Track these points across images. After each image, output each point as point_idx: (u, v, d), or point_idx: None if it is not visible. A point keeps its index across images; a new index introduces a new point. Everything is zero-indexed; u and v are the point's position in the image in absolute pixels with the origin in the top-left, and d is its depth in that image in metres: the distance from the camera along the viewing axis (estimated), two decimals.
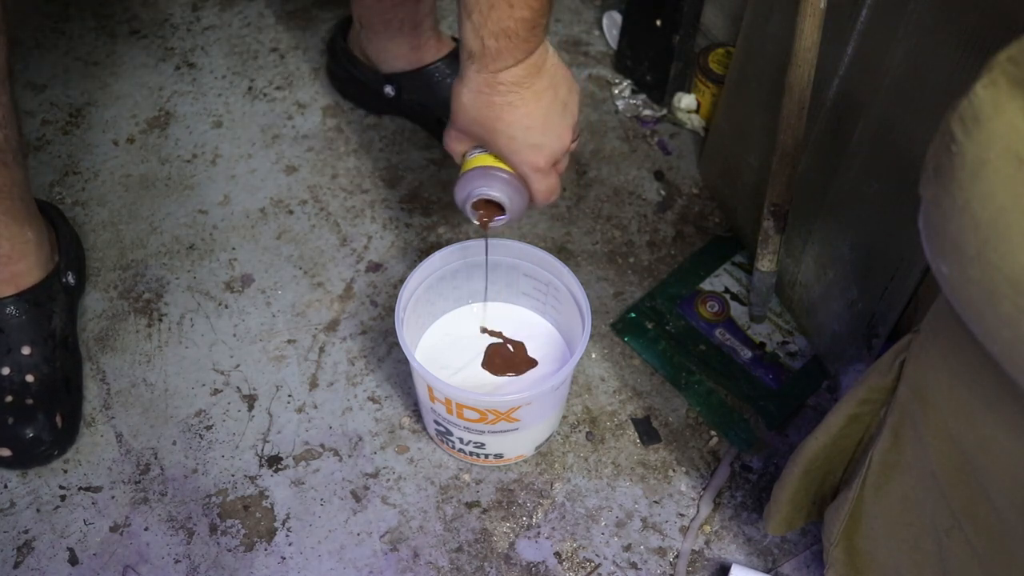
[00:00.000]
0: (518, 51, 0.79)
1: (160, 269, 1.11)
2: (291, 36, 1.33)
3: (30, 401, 0.95)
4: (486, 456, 0.96)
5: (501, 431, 0.92)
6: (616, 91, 1.28)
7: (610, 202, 1.18)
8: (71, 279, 1.03)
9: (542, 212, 1.17)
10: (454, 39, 1.20)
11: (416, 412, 1.02)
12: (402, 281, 1.11)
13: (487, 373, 0.98)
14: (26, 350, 0.96)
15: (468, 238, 1.14)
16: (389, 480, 0.98)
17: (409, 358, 0.87)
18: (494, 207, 0.88)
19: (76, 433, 0.99)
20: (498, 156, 0.86)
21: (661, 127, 1.26)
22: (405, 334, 0.89)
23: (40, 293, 0.98)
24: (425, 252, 1.13)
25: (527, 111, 0.83)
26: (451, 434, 0.94)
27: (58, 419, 0.96)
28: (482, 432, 0.92)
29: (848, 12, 0.88)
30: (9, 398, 0.95)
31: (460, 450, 0.96)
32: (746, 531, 0.96)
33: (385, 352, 1.06)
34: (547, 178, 0.86)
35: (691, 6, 1.17)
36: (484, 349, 1.00)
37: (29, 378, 0.96)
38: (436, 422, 0.94)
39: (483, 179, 0.86)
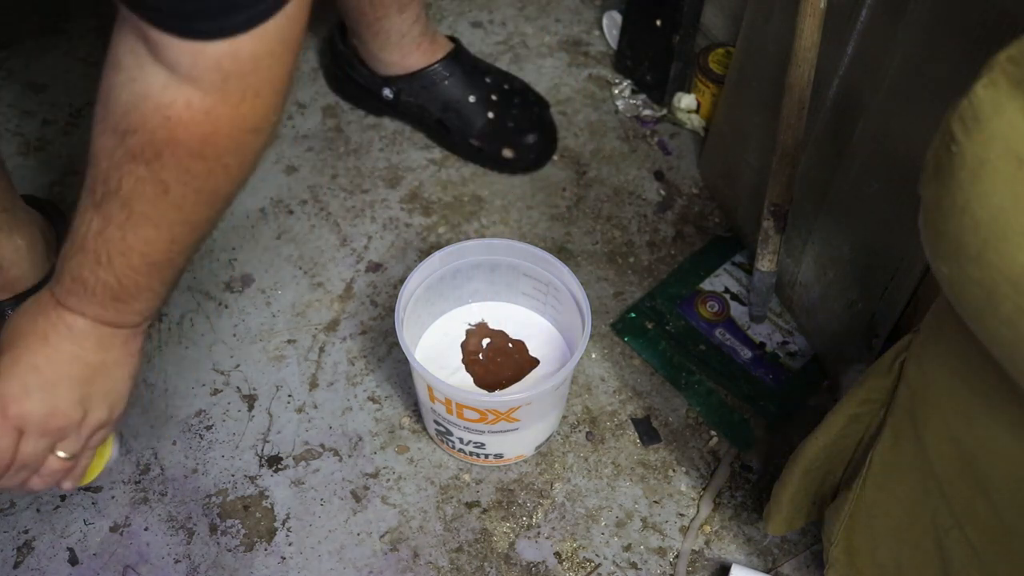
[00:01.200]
0: (91, 309, 0.68)
1: None
2: None
3: None
4: (486, 456, 0.96)
5: (501, 431, 0.92)
6: (616, 91, 1.28)
7: (610, 202, 1.18)
8: None
9: (542, 212, 1.17)
10: (451, 39, 1.20)
11: (416, 412, 1.02)
12: (402, 281, 1.11)
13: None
14: None
15: (468, 238, 1.14)
16: (389, 480, 0.98)
17: (409, 358, 0.87)
18: None
19: None
20: None
21: (661, 127, 1.26)
22: (405, 334, 0.89)
23: None
24: (425, 252, 1.13)
25: (48, 371, 0.70)
26: (451, 434, 0.94)
27: None
28: (482, 432, 0.92)
29: (848, 12, 0.88)
30: None
31: (460, 450, 0.96)
32: (746, 531, 0.96)
33: (385, 352, 1.06)
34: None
35: (691, 6, 1.17)
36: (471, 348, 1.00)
37: None
38: (436, 422, 0.94)
39: None
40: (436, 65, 1.17)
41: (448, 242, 1.14)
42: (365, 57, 1.19)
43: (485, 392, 0.97)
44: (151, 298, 0.70)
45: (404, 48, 1.16)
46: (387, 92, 1.20)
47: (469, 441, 0.94)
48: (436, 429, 0.96)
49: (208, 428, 1.01)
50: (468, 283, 1.00)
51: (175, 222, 0.65)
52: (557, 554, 0.94)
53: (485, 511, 0.96)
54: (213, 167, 0.62)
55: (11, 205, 0.97)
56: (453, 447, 0.96)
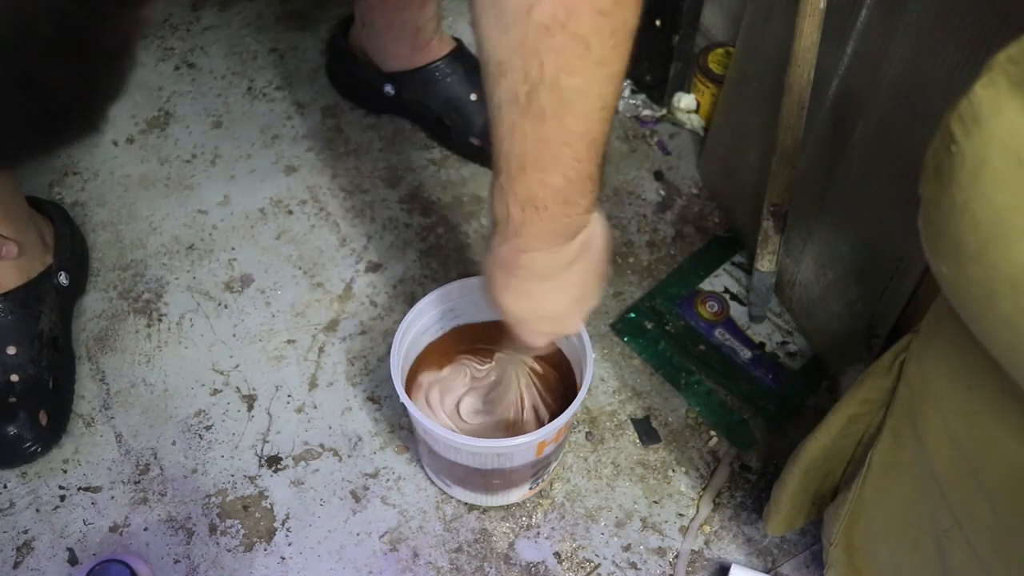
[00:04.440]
0: (545, 228, 0.68)
1: (160, 269, 1.11)
2: (290, 36, 1.32)
3: (13, 400, 0.95)
4: None
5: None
6: None
7: (610, 202, 1.18)
8: (63, 280, 1.03)
9: None
10: (455, 39, 1.20)
11: None
12: (402, 281, 1.11)
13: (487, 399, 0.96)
14: (11, 350, 0.96)
15: (468, 238, 1.15)
16: (389, 480, 0.98)
17: (409, 407, 0.84)
18: None
19: (62, 432, 0.99)
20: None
21: (661, 127, 1.26)
22: (404, 389, 0.86)
23: (27, 295, 0.98)
24: (425, 252, 1.13)
25: (543, 303, 0.74)
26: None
27: (42, 417, 0.96)
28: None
29: (848, 12, 0.88)
30: None
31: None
32: (746, 531, 0.96)
33: (384, 352, 1.06)
34: (541, 341, 0.79)
35: (691, 6, 1.17)
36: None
37: (13, 377, 0.96)
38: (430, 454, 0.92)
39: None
40: (439, 62, 1.17)
41: (448, 242, 1.14)
42: (371, 51, 1.19)
43: (489, 441, 0.89)
44: (593, 190, 0.68)
45: (416, 43, 1.16)
46: (388, 88, 1.20)
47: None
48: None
49: (208, 428, 1.01)
50: (466, 307, 0.97)
51: (602, 80, 0.62)
52: (557, 554, 0.94)
53: (484, 511, 0.96)
54: None
55: (4, 200, 0.97)
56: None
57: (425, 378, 0.96)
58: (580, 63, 0.61)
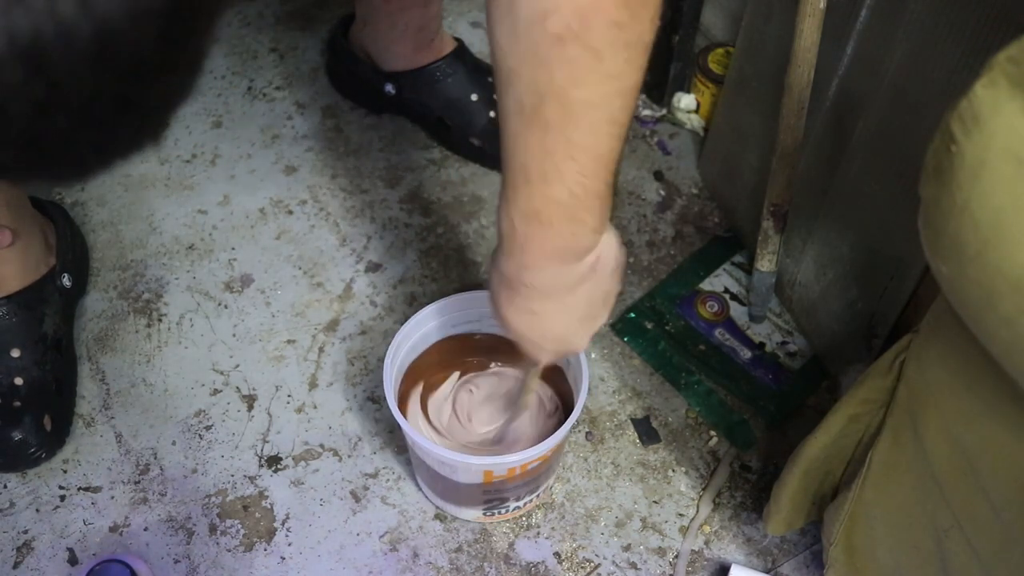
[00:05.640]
0: (550, 245, 0.66)
1: (160, 269, 1.11)
2: (290, 36, 1.32)
3: (18, 404, 0.95)
4: None
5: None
6: None
7: None
8: (66, 282, 1.03)
9: None
10: (456, 39, 1.20)
11: None
12: (402, 281, 1.11)
13: (490, 409, 0.95)
14: (15, 353, 0.96)
15: (468, 238, 1.14)
16: (389, 480, 0.98)
17: (408, 432, 0.84)
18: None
19: (66, 436, 0.99)
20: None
21: (661, 127, 1.26)
22: (400, 412, 0.85)
23: (30, 297, 0.98)
24: (425, 252, 1.13)
25: (547, 322, 0.72)
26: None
27: (46, 422, 0.95)
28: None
29: (848, 12, 0.88)
30: None
31: None
32: (746, 531, 0.96)
33: (384, 352, 1.06)
34: (546, 359, 0.79)
35: (691, 6, 1.17)
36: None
37: (18, 381, 0.96)
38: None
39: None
40: (440, 62, 1.17)
41: (448, 242, 1.14)
42: (372, 50, 1.19)
43: (487, 456, 0.89)
44: (602, 209, 0.66)
45: (418, 42, 1.16)
46: (389, 88, 1.20)
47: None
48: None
49: (208, 428, 1.01)
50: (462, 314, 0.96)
51: (611, 94, 0.61)
52: (557, 554, 0.94)
53: None
54: (637, 11, 0.59)
55: (12, 203, 0.97)
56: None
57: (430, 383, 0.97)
58: (590, 75, 0.60)
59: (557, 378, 0.94)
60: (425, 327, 0.92)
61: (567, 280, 0.69)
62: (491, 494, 0.89)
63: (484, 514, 0.93)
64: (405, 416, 0.90)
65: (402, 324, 0.91)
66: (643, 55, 0.62)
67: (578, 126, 0.61)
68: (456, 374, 0.97)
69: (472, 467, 0.83)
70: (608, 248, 0.70)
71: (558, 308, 0.71)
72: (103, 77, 0.36)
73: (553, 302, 0.71)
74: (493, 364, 0.98)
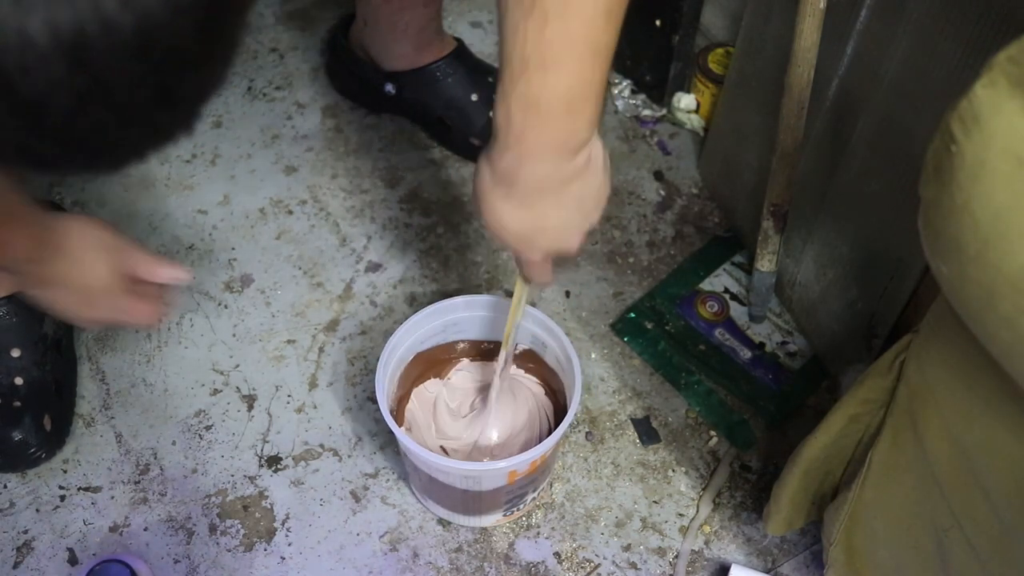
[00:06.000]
0: (548, 135, 0.67)
1: None
2: (290, 36, 1.32)
3: (17, 404, 0.95)
4: None
5: None
6: (616, 91, 1.28)
7: (610, 202, 1.16)
8: None
9: None
10: (456, 39, 1.20)
11: None
12: (402, 281, 1.11)
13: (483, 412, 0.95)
14: (15, 353, 0.96)
15: (468, 238, 1.14)
16: (389, 480, 0.98)
17: (402, 439, 0.84)
18: None
19: (66, 436, 0.99)
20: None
21: (661, 127, 1.26)
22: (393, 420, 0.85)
23: None
24: (425, 252, 1.13)
25: (543, 217, 0.72)
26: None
27: (46, 422, 0.95)
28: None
29: (848, 12, 0.88)
30: None
31: None
32: (746, 531, 0.96)
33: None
34: (540, 266, 0.78)
35: (691, 6, 1.17)
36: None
37: (17, 381, 0.96)
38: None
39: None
40: (440, 62, 1.17)
41: (448, 242, 1.14)
42: (372, 50, 1.19)
43: (481, 464, 0.89)
44: (596, 103, 0.67)
45: (418, 42, 1.16)
46: (389, 88, 1.19)
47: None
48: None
49: (208, 428, 1.01)
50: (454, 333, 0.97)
51: None
52: (557, 554, 0.94)
53: None
54: None
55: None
56: None
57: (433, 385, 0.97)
58: None
59: (546, 373, 0.95)
60: (408, 340, 0.92)
61: (563, 174, 0.69)
62: (512, 493, 0.89)
63: (504, 515, 0.93)
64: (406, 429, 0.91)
65: (401, 324, 0.91)
66: None
67: (576, 16, 0.63)
68: (431, 381, 0.98)
69: (498, 471, 0.83)
70: (598, 147, 0.72)
71: (553, 203, 0.71)
72: (143, 69, 0.36)
73: (549, 196, 0.71)
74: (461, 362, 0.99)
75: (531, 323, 0.91)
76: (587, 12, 0.63)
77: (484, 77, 1.18)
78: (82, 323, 0.87)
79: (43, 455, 0.96)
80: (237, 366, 1.05)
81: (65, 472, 0.97)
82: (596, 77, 0.65)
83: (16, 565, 0.92)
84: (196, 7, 0.36)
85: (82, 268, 0.80)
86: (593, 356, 1.06)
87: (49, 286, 0.81)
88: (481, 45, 1.31)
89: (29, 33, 0.34)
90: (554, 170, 0.69)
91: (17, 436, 0.94)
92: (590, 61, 0.64)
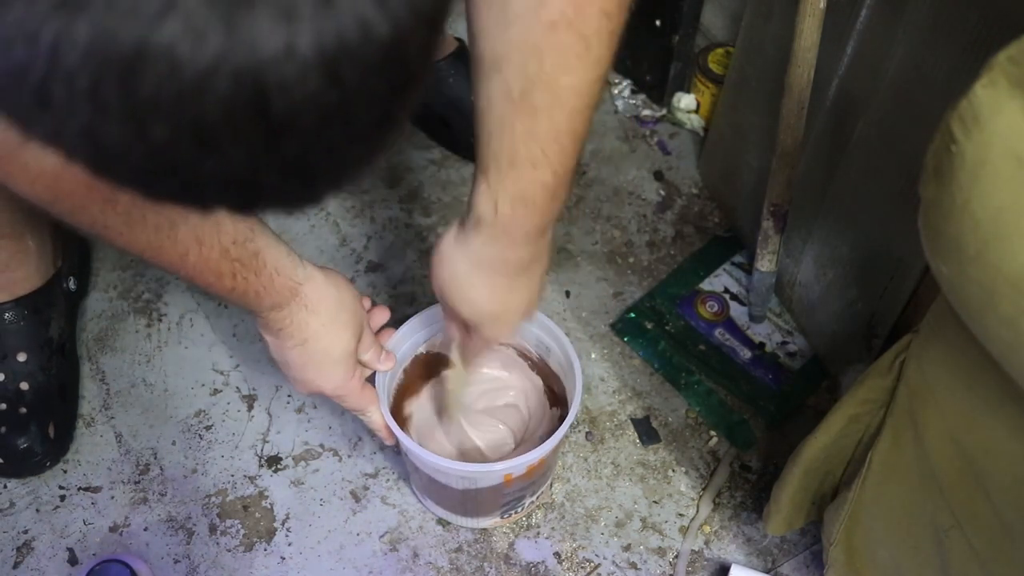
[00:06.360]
0: (531, 223, 0.69)
1: (159, 269, 1.11)
2: None
3: (23, 410, 0.95)
4: None
5: None
6: (615, 91, 1.28)
7: (610, 202, 1.18)
8: (71, 284, 1.02)
9: None
10: (457, 39, 1.20)
11: None
12: (402, 281, 1.11)
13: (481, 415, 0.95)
14: (21, 357, 0.96)
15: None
16: (389, 480, 0.98)
17: (404, 441, 0.84)
18: None
19: (69, 442, 0.98)
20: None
21: (661, 127, 1.26)
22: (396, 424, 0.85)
23: (38, 300, 0.97)
24: (425, 252, 1.13)
25: (518, 297, 0.75)
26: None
27: (51, 429, 0.95)
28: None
29: (848, 12, 0.88)
30: (3, 406, 0.95)
31: None
32: (746, 531, 0.96)
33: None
34: (490, 345, 0.81)
35: (691, 6, 1.17)
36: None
37: (23, 386, 0.96)
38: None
39: None
40: (441, 62, 1.16)
41: None
42: None
43: (482, 465, 0.88)
44: (572, 182, 0.70)
45: None
46: None
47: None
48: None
49: (208, 428, 1.01)
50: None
51: (594, 80, 0.64)
52: (557, 554, 0.94)
53: None
54: (623, 1, 0.61)
55: (28, 205, 0.97)
56: None
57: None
58: (579, 62, 0.62)
59: (548, 374, 0.95)
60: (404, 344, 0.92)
61: (538, 251, 0.72)
62: (510, 495, 0.89)
63: (502, 517, 0.93)
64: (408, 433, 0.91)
65: (401, 324, 0.91)
66: (617, 44, 0.64)
67: (564, 111, 0.64)
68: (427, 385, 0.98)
69: (494, 473, 0.83)
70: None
71: (526, 281, 0.74)
72: (383, 87, 0.34)
73: (524, 275, 0.73)
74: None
75: (535, 327, 0.91)
76: (575, 106, 0.64)
77: None
78: (304, 390, 0.82)
79: (48, 463, 0.96)
80: (237, 366, 1.05)
81: (65, 472, 0.97)
82: (575, 162, 0.67)
83: (16, 565, 0.92)
84: (432, 12, 0.34)
85: (329, 330, 0.78)
86: (593, 356, 1.06)
87: (289, 340, 0.77)
88: None
89: (297, 46, 0.31)
90: (534, 250, 0.72)
91: (23, 444, 0.94)
92: (571, 150, 0.66)
